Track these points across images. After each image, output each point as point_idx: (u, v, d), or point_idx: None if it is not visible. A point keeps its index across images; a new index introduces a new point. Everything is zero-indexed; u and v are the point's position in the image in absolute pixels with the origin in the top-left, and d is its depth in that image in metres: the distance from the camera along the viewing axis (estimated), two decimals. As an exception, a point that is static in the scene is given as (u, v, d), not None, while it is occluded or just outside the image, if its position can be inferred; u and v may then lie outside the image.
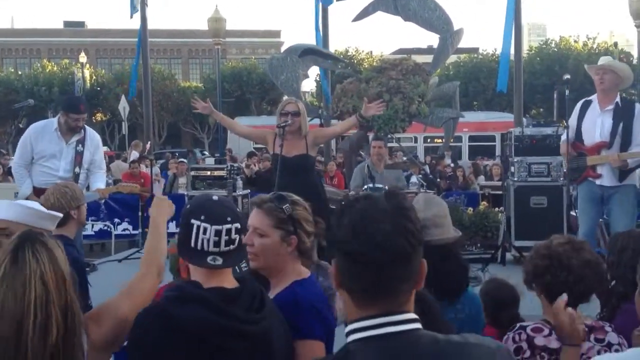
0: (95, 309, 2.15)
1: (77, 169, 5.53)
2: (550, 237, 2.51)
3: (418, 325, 1.35)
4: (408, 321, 1.34)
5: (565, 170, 7.27)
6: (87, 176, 5.69)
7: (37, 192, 5.40)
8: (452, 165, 15.38)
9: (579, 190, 6.02)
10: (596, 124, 5.73)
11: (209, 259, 1.98)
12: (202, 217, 1.99)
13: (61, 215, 2.85)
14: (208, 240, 1.98)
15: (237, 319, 1.90)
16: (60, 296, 1.79)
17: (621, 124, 5.57)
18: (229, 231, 1.99)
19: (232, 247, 2.01)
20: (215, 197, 2.08)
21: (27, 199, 5.42)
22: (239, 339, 1.89)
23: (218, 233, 1.98)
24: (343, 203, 1.44)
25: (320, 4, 13.46)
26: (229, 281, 2.03)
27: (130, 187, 5.80)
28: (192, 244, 2.00)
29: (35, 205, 2.82)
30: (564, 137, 6.10)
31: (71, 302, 1.83)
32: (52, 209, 3.44)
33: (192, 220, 1.99)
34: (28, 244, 1.82)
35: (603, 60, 5.90)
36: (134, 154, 14.12)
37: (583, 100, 5.99)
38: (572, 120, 5.96)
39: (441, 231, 2.79)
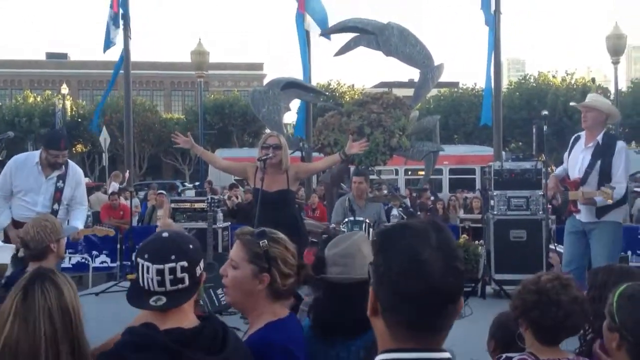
0: (101, 344, 2.22)
1: (55, 206, 5.39)
2: (538, 274, 2.54)
3: None
4: None
5: (546, 204, 7.36)
6: (67, 211, 5.56)
7: (16, 225, 5.31)
8: (431, 198, 15.44)
9: (566, 223, 6.08)
10: (578, 160, 5.84)
11: (152, 300, 1.91)
12: (146, 256, 1.94)
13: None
14: (152, 280, 1.92)
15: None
16: (67, 331, 1.95)
17: (599, 161, 5.65)
18: (172, 270, 1.91)
19: (180, 285, 1.94)
20: (165, 234, 2.00)
21: (4, 230, 5.42)
22: None
23: (160, 272, 1.91)
24: (383, 233, 1.39)
25: (310, 37, 13.54)
26: (188, 320, 1.96)
27: (105, 231, 5.71)
28: (141, 283, 1.95)
29: None
30: (556, 171, 6.23)
31: (78, 337, 1.98)
32: (32, 242, 3.45)
33: (139, 259, 1.96)
34: (38, 281, 1.98)
35: (589, 98, 6.03)
36: (114, 185, 14.03)
37: (575, 135, 6.11)
38: (565, 155, 6.11)
39: (340, 270, 2.65)
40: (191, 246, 2.00)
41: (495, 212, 7.65)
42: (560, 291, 2.39)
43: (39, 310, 1.92)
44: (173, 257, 1.93)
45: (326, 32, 12.08)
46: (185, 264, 1.94)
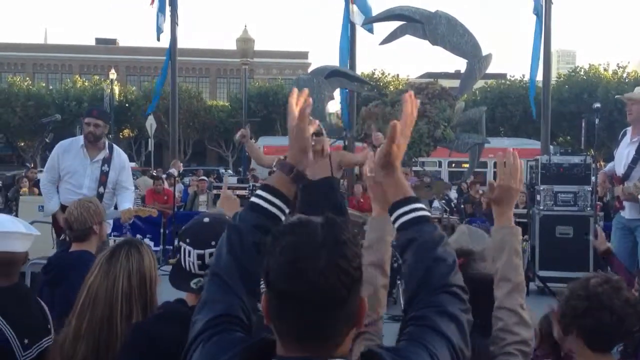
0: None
1: (101, 189, 5.39)
2: (586, 276, 2.41)
3: None
4: None
5: (595, 200, 7.16)
6: (113, 195, 5.57)
7: (64, 210, 5.22)
8: (480, 192, 15.12)
9: (613, 220, 5.95)
10: (623, 155, 5.68)
11: (192, 282, 2.00)
12: (188, 240, 2.04)
13: (37, 232, 2.81)
14: (193, 263, 2.01)
15: None
16: (142, 293, 2.25)
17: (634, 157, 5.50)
18: (212, 255, 1.95)
19: None
20: (206, 220, 2.08)
21: (53, 215, 5.50)
22: None
23: (200, 257, 2.00)
24: (275, 231, 1.31)
25: (356, 26, 13.47)
26: None
27: (148, 211, 5.74)
28: (183, 265, 2.05)
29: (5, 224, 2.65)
30: (606, 167, 6.09)
31: (151, 299, 2.27)
32: (75, 223, 3.48)
33: (181, 243, 2.05)
34: (125, 246, 2.31)
35: (636, 90, 5.83)
36: (173, 171, 14.29)
37: (623, 130, 5.96)
38: (615, 151, 5.95)
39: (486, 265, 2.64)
40: None
41: (541, 207, 7.48)
42: (613, 295, 2.26)
43: (120, 270, 2.23)
44: (213, 242, 1.98)
45: (372, 20, 11.96)
46: None
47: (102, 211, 3.70)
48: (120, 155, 5.67)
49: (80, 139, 5.57)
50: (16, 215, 5.48)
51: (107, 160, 5.47)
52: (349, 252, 1.24)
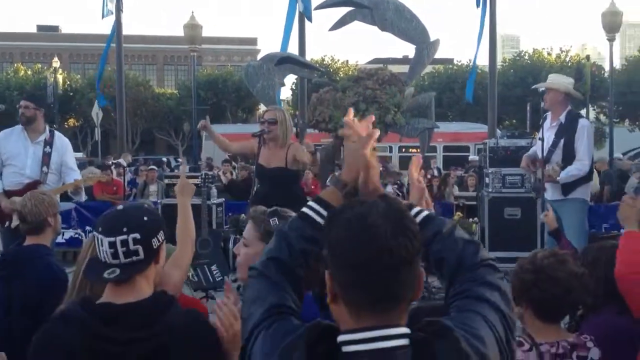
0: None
1: (44, 168, 5.50)
2: (534, 252, 2.54)
3: (406, 342, 1.30)
4: (403, 336, 1.30)
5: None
6: (59, 178, 5.64)
7: (8, 195, 5.43)
8: (434, 175, 15.34)
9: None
10: (544, 139, 5.93)
11: (106, 272, 1.95)
12: (100, 229, 1.98)
13: None
14: (106, 252, 1.95)
15: (111, 340, 1.88)
16: None
17: (562, 140, 5.76)
18: (124, 242, 1.94)
19: (135, 258, 1.96)
20: (120, 207, 2.05)
21: None
22: (113, 356, 1.87)
23: (112, 245, 1.94)
24: (332, 211, 1.39)
25: (297, 14, 13.46)
26: (139, 293, 1.99)
27: (97, 178, 5.96)
28: (99, 257, 1.99)
29: None
30: (530, 151, 6.35)
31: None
32: (29, 215, 3.41)
33: (95, 233, 2.00)
34: None
35: (549, 79, 6.18)
36: (120, 162, 14.00)
37: (543, 115, 6.21)
38: (538, 134, 6.21)
39: None
40: (145, 218, 2.01)
41: (490, 190, 7.65)
42: (558, 267, 2.38)
43: None
44: (125, 229, 1.94)
45: (322, 6, 11.93)
46: (137, 235, 1.95)
47: (56, 203, 3.65)
48: (61, 137, 5.82)
49: (20, 126, 5.69)
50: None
51: (48, 142, 5.59)
52: (411, 218, 1.36)
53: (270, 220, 2.30)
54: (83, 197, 6.30)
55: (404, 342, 1.29)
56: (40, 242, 3.45)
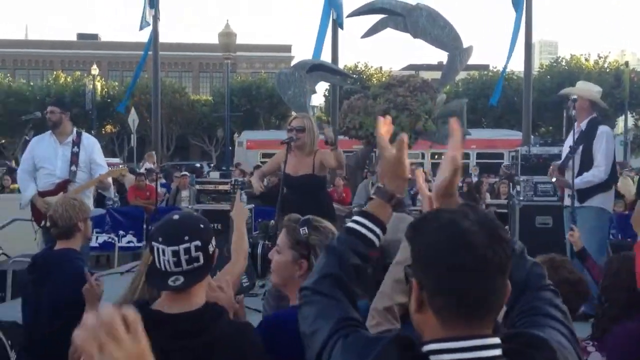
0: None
1: (73, 167, 5.75)
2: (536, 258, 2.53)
3: (499, 352, 1.28)
4: (495, 346, 1.27)
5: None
6: (88, 176, 5.87)
7: (42, 195, 5.73)
8: (471, 181, 15.13)
9: None
10: (566, 146, 5.90)
11: (170, 280, 1.98)
12: (160, 239, 2.00)
13: None
14: (168, 261, 1.98)
15: (154, 347, 1.91)
16: None
17: (581, 146, 5.69)
18: (187, 250, 1.98)
19: (196, 264, 2.00)
20: (175, 216, 2.07)
21: (31, 200, 5.77)
22: None
23: (175, 253, 1.97)
24: (419, 218, 1.38)
25: (330, 21, 13.53)
26: (191, 302, 2.02)
27: (118, 171, 6.21)
28: (158, 265, 2.01)
29: None
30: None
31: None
32: (60, 220, 3.47)
33: (153, 243, 2.02)
34: None
35: (577, 86, 6.15)
36: (147, 165, 14.13)
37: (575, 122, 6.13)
38: None
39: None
40: (202, 225, 2.06)
41: (521, 198, 7.54)
42: (551, 273, 2.38)
43: None
44: (186, 237, 1.99)
45: (354, 14, 11.96)
46: (198, 243, 2.00)
47: (87, 208, 3.69)
48: (88, 137, 6.10)
49: (49, 131, 5.97)
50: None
51: (76, 143, 5.87)
52: (503, 227, 1.32)
53: (301, 229, 2.33)
54: (112, 192, 6.54)
55: (497, 352, 1.27)
56: (70, 246, 3.51)
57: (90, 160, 5.87)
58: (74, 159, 5.78)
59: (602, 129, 5.74)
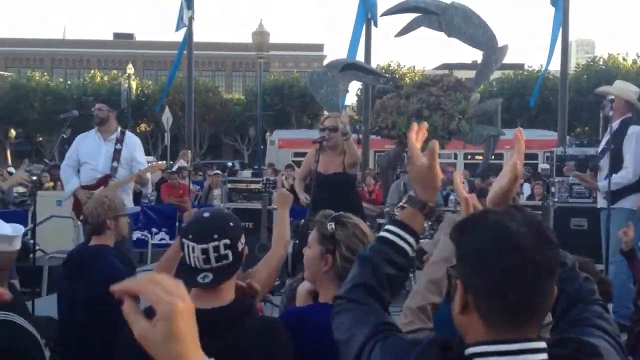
0: (243, 275, 2.53)
1: (114, 163, 5.97)
2: None
3: (546, 357, 1.26)
4: (541, 350, 1.25)
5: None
6: (130, 173, 6.05)
7: (84, 189, 5.97)
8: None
9: None
10: (601, 147, 5.82)
11: (199, 276, 2.01)
12: (190, 237, 2.03)
13: (22, 231, 2.71)
14: (197, 258, 2.01)
15: None
16: None
17: (612, 147, 5.59)
18: (216, 248, 2.01)
19: (224, 262, 2.03)
20: (206, 214, 2.10)
21: (74, 194, 5.99)
22: None
23: (205, 251, 2.00)
24: (465, 219, 1.37)
25: (364, 22, 13.49)
26: (221, 298, 2.04)
27: (157, 166, 6.40)
28: (188, 262, 2.05)
29: None
30: None
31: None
32: (90, 217, 3.56)
33: (183, 240, 2.05)
34: None
35: (613, 85, 6.00)
36: (181, 163, 14.26)
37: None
38: None
39: None
40: (231, 223, 2.09)
41: (555, 199, 7.44)
42: None
43: None
44: (216, 235, 2.01)
45: (388, 12, 11.90)
46: (227, 241, 2.02)
47: (119, 207, 3.71)
48: (131, 135, 6.34)
49: (94, 128, 6.19)
50: (34, 210, 5.66)
51: (119, 140, 6.08)
52: (551, 230, 1.31)
53: (328, 224, 2.34)
54: (150, 188, 6.70)
55: (543, 357, 1.25)
56: (103, 242, 3.57)
57: (131, 157, 6.09)
58: (116, 155, 6.02)
59: (633, 129, 5.62)
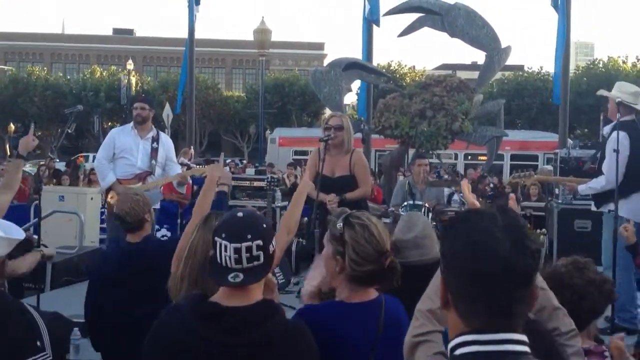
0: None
1: (152, 162, 6.19)
2: (560, 259, 2.56)
3: (527, 349, 1.27)
4: (519, 342, 1.26)
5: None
6: (163, 172, 6.30)
7: (120, 183, 6.10)
8: (490, 185, 15.06)
9: None
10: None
11: (230, 276, 2.02)
12: (223, 235, 2.04)
13: (21, 237, 2.72)
14: (229, 257, 2.02)
15: (206, 339, 1.96)
16: None
17: (600, 151, 5.60)
18: (249, 249, 2.01)
19: (255, 263, 2.03)
20: (240, 214, 2.10)
21: (110, 187, 6.10)
22: (206, 355, 1.96)
23: (237, 251, 2.01)
24: (450, 220, 1.39)
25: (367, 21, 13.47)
26: (249, 298, 2.05)
27: (201, 171, 6.29)
28: (218, 260, 2.05)
29: None
30: None
31: None
32: (128, 216, 3.73)
33: (216, 238, 2.06)
34: (214, 214, 2.60)
35: (614, 87, 5.89)
36: (182, 160, 14.21)
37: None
38: None
39: (421, 252, 2.89)
40: (264, 225, 2.10)
41: (559, 201, 7.44)
42: (575, 274, 2.41)
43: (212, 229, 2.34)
44: (249, 236, 2.02)
45: (391, 12, 11.89)
46: (260, 242, 2.03)
47: (149, 201, 3.97)
48: (166, 136, 6.62)
49: (130, 124, 6.41)
50: (39, 205, 5.65)
51: (155, 139, 6.30)
52: (530, 237, 1.30)
53: (338, 224, 2.33)
54: (184, 189, 6.86)
55: (524, 348, 1.26)
56: (143, 234, 3.78)
57: (167, 157, 6.34)
58: (154, 154, 6.23)
59: (614, 135, 5.31)
